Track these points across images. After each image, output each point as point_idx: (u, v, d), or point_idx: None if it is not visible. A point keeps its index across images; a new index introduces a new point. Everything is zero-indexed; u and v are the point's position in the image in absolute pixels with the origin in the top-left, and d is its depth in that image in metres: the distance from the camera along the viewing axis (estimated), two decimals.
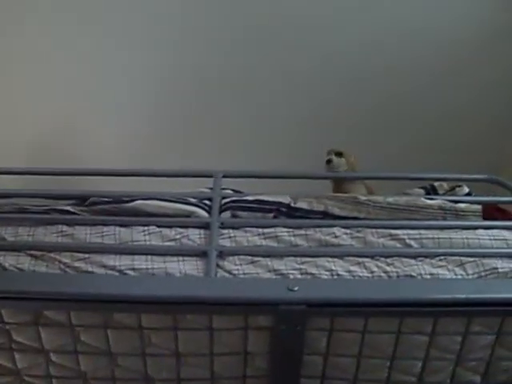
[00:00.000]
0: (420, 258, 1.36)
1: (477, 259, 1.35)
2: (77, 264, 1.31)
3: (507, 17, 2.29)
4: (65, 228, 1.39)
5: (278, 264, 1.34)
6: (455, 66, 2.34)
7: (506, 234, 1.43)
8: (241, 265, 1.33)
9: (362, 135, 2.30)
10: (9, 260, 1.31)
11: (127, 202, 1.46)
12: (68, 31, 2.24)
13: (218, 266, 1.32)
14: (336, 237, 1.40)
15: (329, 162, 1.72)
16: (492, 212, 1.58)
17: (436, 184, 1.64)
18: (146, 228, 1.39)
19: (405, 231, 1.41)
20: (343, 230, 1.41)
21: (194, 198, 1.50)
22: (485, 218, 1.51)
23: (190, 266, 1.32)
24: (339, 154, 1.74)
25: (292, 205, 1.49)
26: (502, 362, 1.38)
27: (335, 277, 1.32)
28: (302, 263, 1.34)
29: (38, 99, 2.33)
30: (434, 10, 2.29)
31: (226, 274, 1.32)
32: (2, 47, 2.25)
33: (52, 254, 1.32)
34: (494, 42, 2.31)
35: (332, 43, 2.30)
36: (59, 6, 2.22)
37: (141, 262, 1.32)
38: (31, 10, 2.22)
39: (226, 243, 1.39)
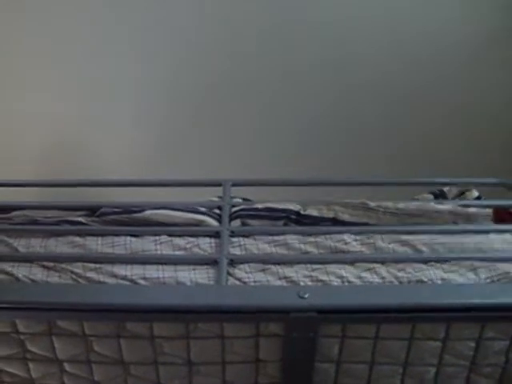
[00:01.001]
0: (431, 263, 1.36)
1: (489, 264, 1.35)
2: (88, 274, 1.32)
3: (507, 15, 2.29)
4: (76, 239, 1.41)
5: (288, 271, 1.34)
6: (462, 66, 2.33)
7: None
8: (251, 272, 1.34)
9: (372, 141, 2.30)
10: (22, 271, 1.33)
11: (137, 212, 1.47)
12: (69, 36, 2.25)
13: (228, 274, 1.33)
14: (346, 243, 1.40)
15: None
16: (503, 216, 1.57)
17: (445, 189, 1.63)
18: (156, 237, 1.41)
19: (415, 236, 1.41)
20: (353, 236, 1.41)
21: (203, 206, 1.51)
22: (496, 223, 1.51)
23: (201, 275, 1.33)
24: None
25: (301, 212, 1.49)
26: None
27: (346, 283, 1.32)
28: (313, 270, 1.34)
29: (42, 109, 2.35)
30: (434, 11, 2.29)
31: (237, 282, 1.32)
32: (2, 53, 2.27)
33: (64, 265, 1.33)
34: (499, 40, 2.30)
35: (335, 48, 2.31)
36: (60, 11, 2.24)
37: (152, 271, 1.33)
38: (30, 19, 2.24)
39: (237, 251, 1.39)
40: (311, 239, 1.40)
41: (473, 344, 1.32)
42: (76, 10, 2.23)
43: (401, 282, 1.32)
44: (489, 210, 1.51)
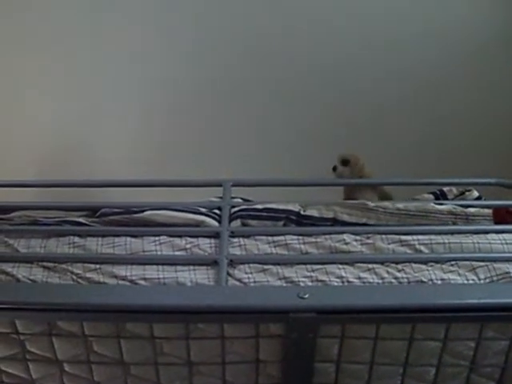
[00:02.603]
0: (431, 264, 1.36)
1: (488, 264, 1.35)
2: (89, 275, 1.33)
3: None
4: (76, 239, 1.41)
5: (288, 272, 1.34)
6: (462, 67, 2.34)
7: None
8: (251, 273, 1.34)
9: (371, 140, 2.31)
10: (22, 271, 1.33)
11: (137, 212, 1.48)
12: (70, 36, 2.26)
13: (228, 274, 1.33)
14: (346, 243, 1.40)
15: (334, 169, 1.73)
16: (504, 216, 1.57)
17: (445, 189, 1.63)
18: (156, 238, 1.41)
19: (415, 237, 1.41)
20: (353, 236, 1.41)
21: (203, 207, 1.51)
22: (496, 223, 1.50)
23: (201, 275, 1.33)
24: (346, 162, 1.73)
25: (301, 212, 1.49)
26: None
27: (346, 284, 1.32)
28: (313, 271, 1.34)
29: (47, 112, 2.35)
30: (435, 11, 2.29)
31: (237, 283, 1.32)
32: (2, 53, 2.28)
33: (64, 265, 1.34)
34: (498, 42, 2.31)
35: (335, 48, 2.32)
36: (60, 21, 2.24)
37: (152, 271, 1.33)
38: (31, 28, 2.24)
39: (237, 252, 1.39)
40: (311, 239, 1.40)
41: (472, 344, 1.32)
42: (76, 11, 2.24)
43: (400, 283, 1.32)
44: (489, 211, 1.51)
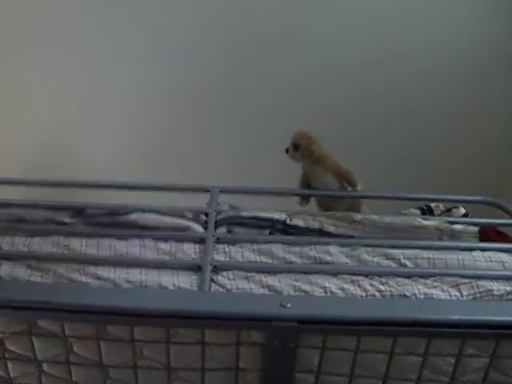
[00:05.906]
0: (414, 278, 1.36)
1: (472, 281, 1.35)
2: (72, 275, 1.32)
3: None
4: (61, 239, 1.40)
5: (271, 280, 1.34)
6: (455, 84, 2.36)
7: (502, 256, 1.43)
8: (235, 280, 1.34)
9: (361, 152, 2.32)
10: (4, 269, 1.33)
11: (123, 214, 1.48)
12: (63, 37, 2.27)
13: (212, 280, 1.33)
14: (331, 254, 1.40)
15: (286, 151, 1.62)
16: (490, 234, 1.58)
17: (432, 205, 1.65)
18: (141, 241, 1.40)
19: (400, 251, 1.41)
20: (338, 247, 1.42)
21: (190, 212, 1.51)
22: (482, 240, 1.51)
23: (184, 280, 1.33)
24: (297, 147, 1.59)
25: (287, 222, 1.50)
26: None
27: (329, 294, 1.32)
28: (296, 280, 1.34)
29: (36, 110, 2.35)
30: (436, 30, 2.32)
31: (220, 289, 1.32)
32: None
33: (47, 265, 1.33)
34: (494, 60, 2.33)
35: (332, 59, 2.33)
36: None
37: (135, 274, 1.33)
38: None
39: (221, 258, 1.39)
40: (296, 249, 1.41)
41: (452, 360, 1.32)
42: (75, 12, 2.25)
43: (383, 296, 1.32)
44: (475, 228, 1.52)
